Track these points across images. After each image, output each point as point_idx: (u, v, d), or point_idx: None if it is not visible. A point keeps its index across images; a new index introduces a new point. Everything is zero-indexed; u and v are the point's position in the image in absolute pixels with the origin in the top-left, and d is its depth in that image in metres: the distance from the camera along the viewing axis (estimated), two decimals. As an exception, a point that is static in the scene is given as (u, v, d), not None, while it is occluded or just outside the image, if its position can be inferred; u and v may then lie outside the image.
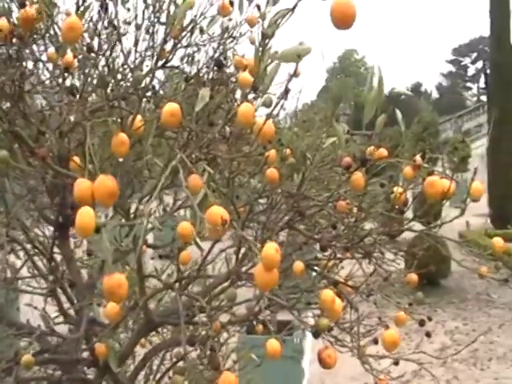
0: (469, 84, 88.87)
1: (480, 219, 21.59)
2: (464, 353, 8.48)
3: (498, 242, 1.81)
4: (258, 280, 1.27)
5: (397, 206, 1.79)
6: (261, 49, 1.38)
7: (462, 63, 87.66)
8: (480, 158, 28.83)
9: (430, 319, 2.03)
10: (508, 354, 8.60)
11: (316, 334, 1.63)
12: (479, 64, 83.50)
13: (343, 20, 1.21)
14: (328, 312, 1.59)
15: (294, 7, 1.29)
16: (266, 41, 1.37)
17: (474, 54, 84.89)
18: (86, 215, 1.30)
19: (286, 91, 1.40)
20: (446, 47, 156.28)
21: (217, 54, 2.19)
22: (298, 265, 1.72)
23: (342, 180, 1.73)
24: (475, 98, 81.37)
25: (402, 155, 1.87)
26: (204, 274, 2.26)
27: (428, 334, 2.24)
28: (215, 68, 1.74)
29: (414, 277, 2.16)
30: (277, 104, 1.44)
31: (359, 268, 2.17)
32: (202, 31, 2.04)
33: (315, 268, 2.01)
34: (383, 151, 1.77)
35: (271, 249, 1.24)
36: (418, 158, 1.70)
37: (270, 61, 1.44)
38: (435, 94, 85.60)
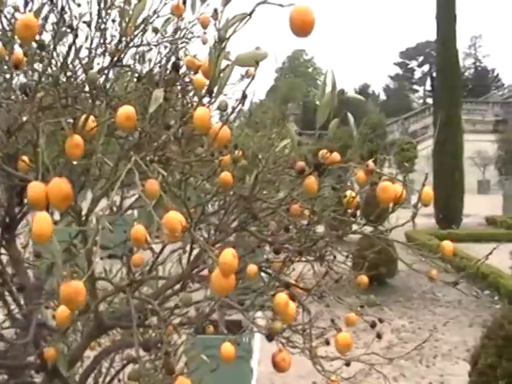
0: (415, 87, 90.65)
1: (426, 219, 22.06)
2: (410, 350, 8.64)
3: (447, 245, 1.84)
4: (215, 285, 1.26)
5: (349, 210, 1.81)
6: (216, 52, 1.37)
7: (409, 66, 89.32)
8: (426, 160, 29.45)
9: (380, 321, 2.06)
10: (453, 350, 8.80)
11: (269, 337, 1.64)
12: (426, 67, 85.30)
13: (302, 28, 1.20)
14: (281, 315, 1.60)
15: (252, 12, 1.29)
16: (222, 44, 1.36)
17: (421, 58, 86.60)
18: (43, 221, 1.26)
19: (244, 96, 1.40)
20: (393, 50, 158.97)
21: (169, 54, 2.17)
22: (252, 268, 1.72)
23: (296, 183, 1.73)
24: (421, 101, 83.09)
25: (351, 156, 1.89)
26: (155, 275, 2.24)
27: (379, 336, 2.27)
28: (172, 70, 1.72)
29: (364, 278, 2.19)
30: (233, 110, 1.43)
31: (310, 269, 2.19)
32: (155, 31, 2.02)
33: (267, 270, 2.02)
34: (336, 155, 1.78)
35: (229, 255, 1.24)
36: (370, 162, 1.72)
37: (225, 64, 1.43)
38: (383, 96, 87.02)
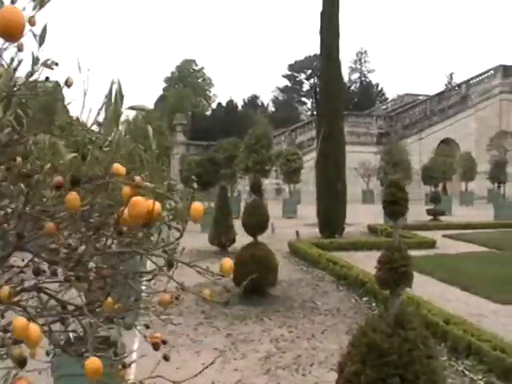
0: (304, 99, 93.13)
1: (310, 229, 22.61)
2: (288, 359, 8.72)
3: (226, 262, 1.87)
4: None
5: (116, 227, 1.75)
6: None
7: (298, 79, 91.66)
8: (312, 170, 30.16)
9: (164, 342, 2.03)
10: (329, 358, 8.93)
11: (21, 364, 1.54)
12: (313, 80, 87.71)
13: (9, 32, 1.09)
14: (23, 339, 1.50)
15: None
16: None
17: (309, 71, 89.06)
18: None
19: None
20: (282, 62, 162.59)
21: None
22: (4, 290, 1.62)
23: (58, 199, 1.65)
24: (309, 113, 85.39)
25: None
26: None
27: (165, 358, 2.22)
28: None
29: (166, 296, 2.15)
30: None
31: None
32: None
33: (46, 291, 1.92)
34: (119, 168, 1.71)
35: None
36: (137, 177, 1.66)
37: None
38: (272, 108, 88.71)
